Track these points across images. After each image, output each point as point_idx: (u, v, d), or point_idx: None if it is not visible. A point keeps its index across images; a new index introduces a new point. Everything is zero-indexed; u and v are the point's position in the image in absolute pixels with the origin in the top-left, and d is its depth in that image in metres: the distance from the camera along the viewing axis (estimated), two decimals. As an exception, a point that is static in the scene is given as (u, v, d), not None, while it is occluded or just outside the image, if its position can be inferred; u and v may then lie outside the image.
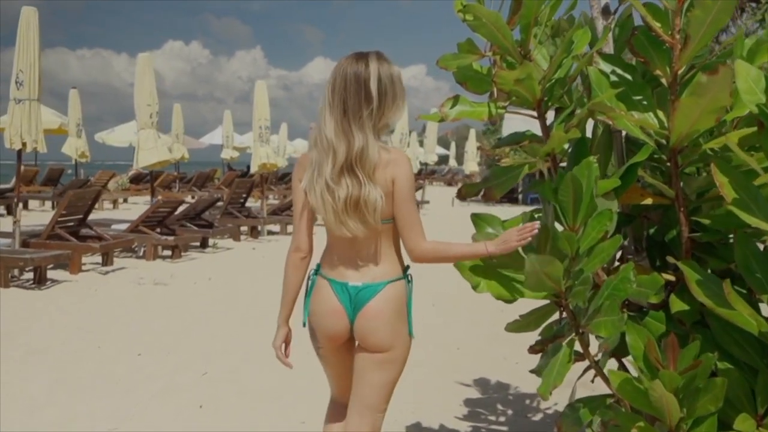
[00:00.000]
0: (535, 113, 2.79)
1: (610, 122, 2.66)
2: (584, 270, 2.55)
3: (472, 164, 32.34)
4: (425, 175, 28.41)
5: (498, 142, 3.08)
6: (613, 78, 2.77)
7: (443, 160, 48.17)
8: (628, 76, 2.79)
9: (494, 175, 2.99)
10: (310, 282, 2.66)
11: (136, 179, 27.23)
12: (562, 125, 2.83)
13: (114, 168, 31.92)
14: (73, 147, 18.94)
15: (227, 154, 26.17)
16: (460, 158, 51.07)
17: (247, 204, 15.98)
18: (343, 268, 2.56)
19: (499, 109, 2.77)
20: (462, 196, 3.05)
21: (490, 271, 2.62)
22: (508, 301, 2.66)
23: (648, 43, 2.64)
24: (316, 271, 2.65)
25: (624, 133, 2.88)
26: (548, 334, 3.26)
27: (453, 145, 50.97)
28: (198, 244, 12.18)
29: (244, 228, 14.24)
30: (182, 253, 11.27)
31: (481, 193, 2.99)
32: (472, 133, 33.25)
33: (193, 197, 24.35)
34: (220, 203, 14.54)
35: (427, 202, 23.31)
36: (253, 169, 14.50)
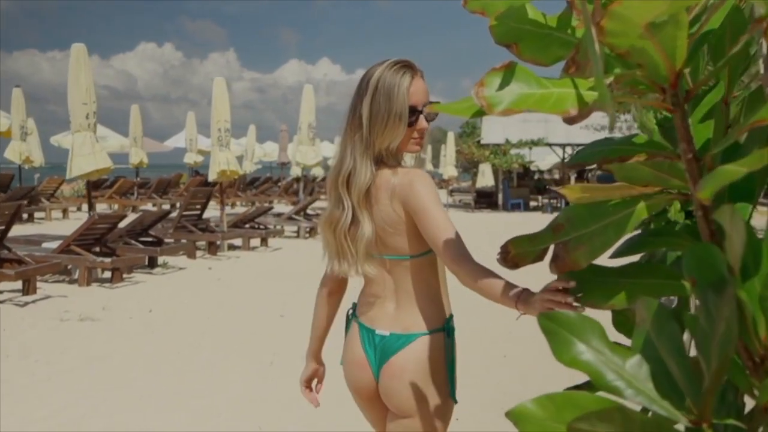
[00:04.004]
0: (665, 99, 1.36)
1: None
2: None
3: (450, 168, 31.18)
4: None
5: (575, 156, 1.63)
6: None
7: (419, 163, 47.02)
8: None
9: (572, 222, 1.51)
10: (347, 320, 2.37)
11: (95, 185, 25.51)
12: (709, 124, 1.42)
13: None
14: (17, 151, 17.31)
15: (191, 158, 24.55)
16: (436, 161, 50.27)
17: (210, 215, 14.48)
18: (372, 311, 2.24)
19: (600, 93, 1.32)
20: (510, 260, 1.58)
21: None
22: None
23: None
24: (353, 310, 2.36)
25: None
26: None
27: (429, 148, 50.30)
28: (146, 263, 10.64)
29: (202, 243, 12.70)
30: (124, 276, 9.74)
31: (549, 253, 1.54)
32: (450, 136, 32.09)
33: (153, 205, 22.74)
34: (173, 215, 12.94)
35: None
36: (212, 177, 12.94)
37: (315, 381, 2.52)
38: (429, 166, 49.49)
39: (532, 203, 28.46)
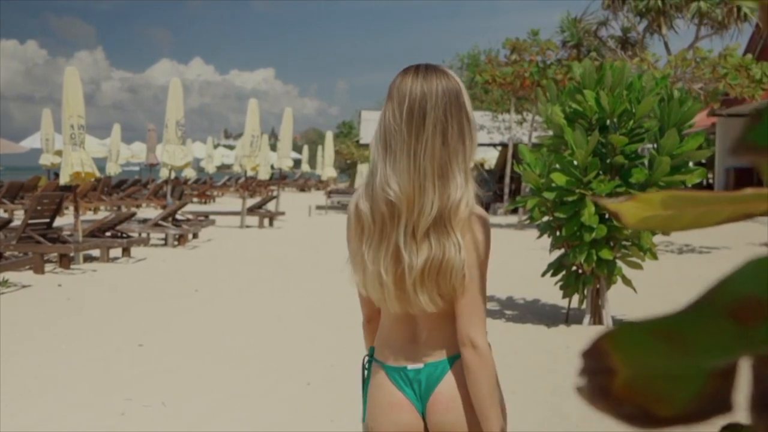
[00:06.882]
0: None
1: None
2: None
3: (329, 169, 30.34)
4: (277, 180, 25.72)
5: (752, 134, 0.65)
6: None
7: (296, 164, 46.44)
8: None
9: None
10: (365, 371, 2.10)
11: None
12: None
13: None
14: None
15: (47, 159, 22.54)
16: (313, 162, 49.78)
17: (66, 222, 12.93)
18: (398, 350, 1.99)
19: None
20: (621, 397, 0.54)
21: None
22: None
23: None
24: (371, 356, 2.07)
25: None
26: None
27: (306, 149, 50.13)
28: (-19, 281, 9.13)
29: (53, 255, 11.16)
30: (-48, 298, 8.24)
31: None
32: (329, 135, 31.25)
33: (5, 211, 20.66)
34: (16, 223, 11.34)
35: (283, 213, 20.74)
36: (64, 180, 11.43)
37: None
38: (306, 167, 48.73)
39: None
